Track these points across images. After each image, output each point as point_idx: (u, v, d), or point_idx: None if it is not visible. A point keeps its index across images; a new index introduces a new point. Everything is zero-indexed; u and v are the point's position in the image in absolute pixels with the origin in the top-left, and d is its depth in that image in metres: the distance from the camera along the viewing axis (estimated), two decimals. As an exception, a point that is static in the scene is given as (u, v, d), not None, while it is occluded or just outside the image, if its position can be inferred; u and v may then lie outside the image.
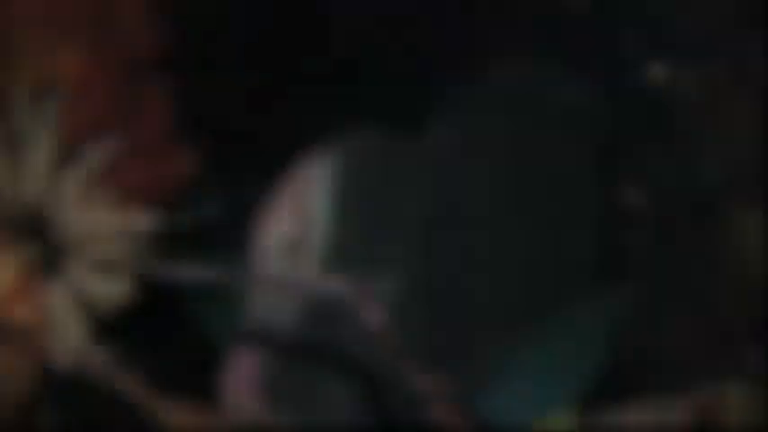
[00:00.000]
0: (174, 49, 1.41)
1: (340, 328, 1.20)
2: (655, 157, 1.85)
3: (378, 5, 1.81)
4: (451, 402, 0.90)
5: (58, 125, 1.07)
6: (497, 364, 1.43)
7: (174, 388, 1.19)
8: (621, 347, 1.78)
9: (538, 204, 1.57)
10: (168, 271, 1.06)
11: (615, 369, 1.77)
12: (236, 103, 1.85)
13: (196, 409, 1.16)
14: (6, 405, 1.12)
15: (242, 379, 1.18)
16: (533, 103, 1.69)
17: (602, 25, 1.91)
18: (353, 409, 1.22)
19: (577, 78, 1.85)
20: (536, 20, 1.94)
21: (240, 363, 1.19)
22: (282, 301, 1.20)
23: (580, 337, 1.47)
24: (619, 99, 1.89)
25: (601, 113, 1.86)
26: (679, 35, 1.74)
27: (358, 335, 1.15)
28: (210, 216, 1.20)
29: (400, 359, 0.91)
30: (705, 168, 1.71)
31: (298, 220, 1.21)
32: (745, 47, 1.63)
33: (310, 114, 2.01)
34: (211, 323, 1.39)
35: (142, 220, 1.06)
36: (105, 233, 1.07)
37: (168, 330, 1.47)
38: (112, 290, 1.06)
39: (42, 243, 1.06)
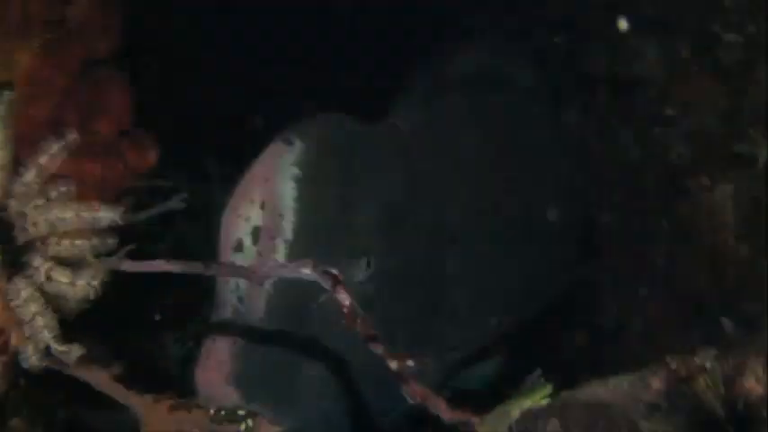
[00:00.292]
0: (129, 47, 1.42)
1: (310, 313, 1.20)
2: (622, 133, 1.86)
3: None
4: (423, 380, 0.90)
5: (13, 124, 1.06)
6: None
7: (149, 382, 1.18)
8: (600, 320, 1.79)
9: (506, 183, 1.58)
10: (133, 264, 1.06)
11: (591, 343, 1.78)
12: (195, 96, 1.85)
13: (172, 401, 1.15)
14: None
15: (214, 368, 1.17)
16: (496, 85, 1.70)
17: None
18: (325, 394, 1.22)
19: (537, 60, 1.86)
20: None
21: (212, 352, 1.19)
22: (253, 289, 1.19)
23: None
24: (581, 78, 1.90)
25: (562, 92, 1.88)
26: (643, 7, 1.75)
27: (329, 320, 1.15)
28: (173, 209, 1.19)
29: (371, 342, 0.91)
30: (672, 143, 1.72)
31: (265, 207, 1.20)
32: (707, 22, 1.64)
33: (273, 102, 2.02)
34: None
35: (105, 215, 1.06)
36: (68, 229, 1.06)
37: (141, 323, 1.47)
38: (79, 285, 1.05)
39: (5, 241, 1.06)
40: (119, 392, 1.11)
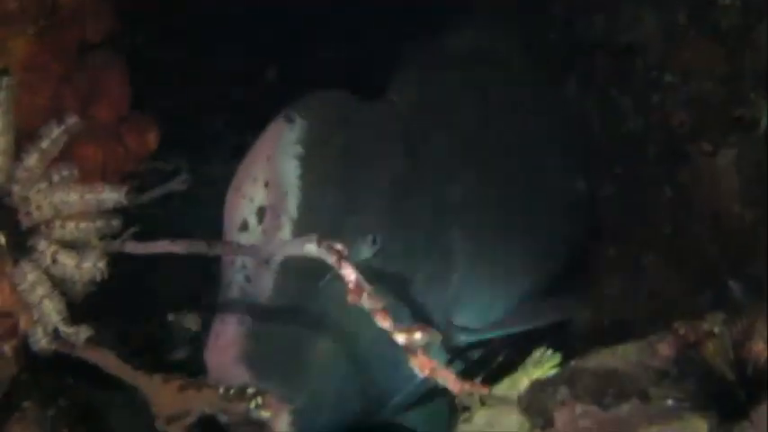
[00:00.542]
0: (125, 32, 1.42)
1: (318, 291, 1.20)
2: (622, 102, 1.85)
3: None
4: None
5: (15, 110, 1.06)
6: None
7: (158, 363, 1.19)
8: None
9: (507, 156, 1.58)
10: (138, 246, 1.06)
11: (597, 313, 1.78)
12: (193, 79, 1.84)
13: (182, 381, 1.15)
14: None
15: (223, 349, 1.17)
16: (491, 63, 1.69)
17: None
18: (335, 371, 1.22)
19: (535, 31, 1.85)
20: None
21: (221, 333, 1.18)
22: (259, 268, 1.19)
23: None
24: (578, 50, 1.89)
25: (559, 68, 1.86)
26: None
27: (337, 297, 1.15)
28: (175, 191, 1.20)
29: (379, 316, 0.91)
30: (672, 111, 1.72)
31: (268, 186, 1.20)
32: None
33: (270, 82, 2.01)
34: None
35: (109, 196, 1.06)
36: (73, 212, 1.06)
37: (144, 306, 1.47)
38: (85, 267, 1.05)
39: (10, 226, 1.06)
40: (127, 373, 1.12)
